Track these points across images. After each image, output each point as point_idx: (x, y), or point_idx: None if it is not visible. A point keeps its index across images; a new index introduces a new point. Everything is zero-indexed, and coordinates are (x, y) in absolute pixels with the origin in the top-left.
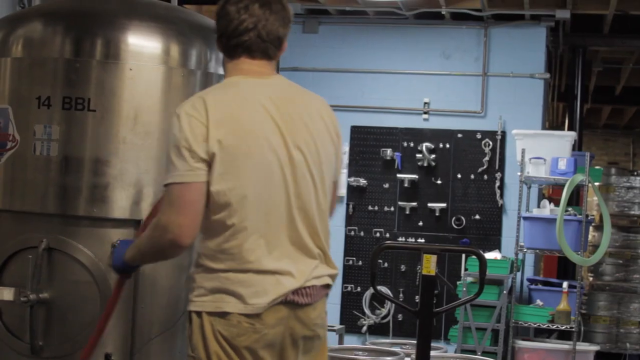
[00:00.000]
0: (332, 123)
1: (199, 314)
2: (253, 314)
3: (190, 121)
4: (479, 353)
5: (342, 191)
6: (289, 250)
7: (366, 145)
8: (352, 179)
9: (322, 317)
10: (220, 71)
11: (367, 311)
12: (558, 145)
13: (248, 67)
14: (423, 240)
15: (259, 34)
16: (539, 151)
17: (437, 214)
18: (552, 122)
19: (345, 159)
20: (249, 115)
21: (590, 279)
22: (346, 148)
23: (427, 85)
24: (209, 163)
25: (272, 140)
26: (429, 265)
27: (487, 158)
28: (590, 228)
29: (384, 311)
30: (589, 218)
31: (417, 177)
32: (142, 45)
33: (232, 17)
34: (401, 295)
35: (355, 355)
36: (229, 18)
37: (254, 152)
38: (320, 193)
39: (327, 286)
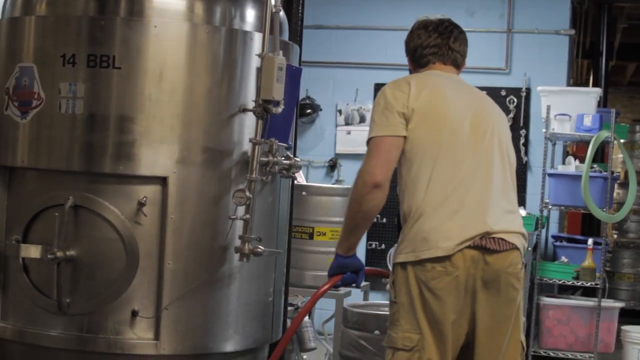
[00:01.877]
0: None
1: (403, 265)
2: (444, 257)
3: (394, 92)
4: None
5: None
6: (479, 202)
7: None
8: None
9: (515, 267)
10: (245, 27)
11: (391, 268)
12: (583, 102)
13: (440, 68)
14: None
15: (450, 47)
16: (564, 108)
17: None
18: (576, 79)
19: (369, 117)
20: (444, 92)
21: (615, 236)
22: (370, 106)
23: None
24: (407, 124)
25: (466, 113)
26: None
27: (511, 115)
28: (615, 185)
29: None
30: (614, 175)
31: None
32: (167, 1)
33: (431, 34)
34: None
35: (382, 310)
36: (429, 34)
37: (447, 115)
38: (504, 156)
39: (518, 240)
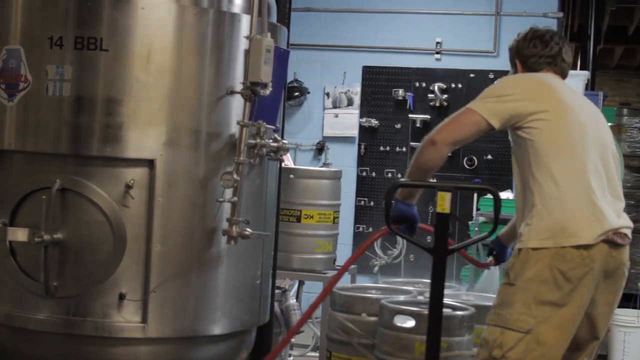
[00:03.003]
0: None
1: (535, 250)
2: (585, 247)
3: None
4: (491, 292)
5: (354, 132)
6: (605, 196)
7: (378, 85)
8: (363, 119)
9: (628, 259)
10: (233, 9)
11: (379, 252)
12: (571, 85)
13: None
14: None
15: (563, 58)
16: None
17: (449, 155)
18: None
19: (357, 100)
20: (568, 91)
21: None
22: (358, 89)
23: (440, 24)
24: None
25: (583, 111)
26: (444, 202)
27: None
28: None
29: (395, 251)
30: None
31: (429, 117)
32: None
33: (548, 43)
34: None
35: (369, 293)
36: (546, 44)
37: (575, 113)
38: (613, 152)
39: (630, 234)
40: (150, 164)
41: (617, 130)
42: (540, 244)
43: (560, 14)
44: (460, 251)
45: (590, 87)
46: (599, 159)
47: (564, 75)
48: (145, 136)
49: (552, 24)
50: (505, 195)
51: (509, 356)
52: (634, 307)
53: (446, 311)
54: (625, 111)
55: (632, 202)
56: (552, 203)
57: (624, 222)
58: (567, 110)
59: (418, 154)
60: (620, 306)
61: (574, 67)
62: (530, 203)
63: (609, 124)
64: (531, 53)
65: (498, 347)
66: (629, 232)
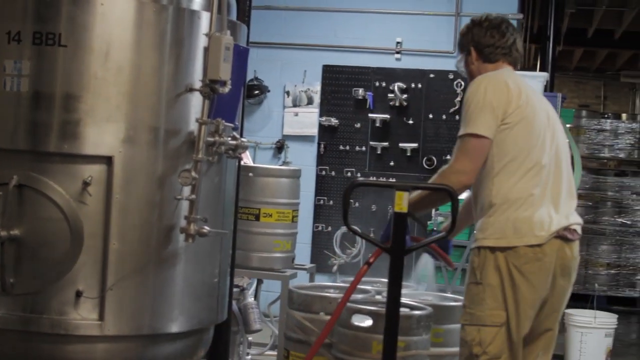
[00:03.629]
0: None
1: (491, 249)
2: (536, 245)
3: (495, 91)
4: (449, 292)
5: (314, 130)
6: (558, 195)
7: (338, 84)
8: (323, 118)
9: (578, 254)
10: (193, 7)
11: (337, 251)
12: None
13: (505, 70)
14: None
15: (517, 49)
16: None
17: (408, 154)
18: (524, 64)
19: (317, 99)
20: (528, 91)
21: None
22: (318, 88)
23: (400, 24)
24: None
25: (541, 111)
26: (401, 202)
27: (459, 98)
28: None
29: (354, 250)
30: None
31: (388, 117)
32: None
33: (504, 34)
34: (372, 234)
35: (327, 292)
36: (502, 34)
37: (534, 113)
38: (565, 150)
39: (580, 230)
40: (108, 160)
41: (576, 131)
42: (496, 243)
43: (520, 16)
44: (432, 245)
45: (550, 88)
46: (554, 158)
47: (516, 66)
48: (103, 133)
49: None
50: (464, 195)
51: (490, 351)
52: (591, 308)
53: (403, 310)
54: (584, 113)
55: (590, 204)
56: (508, 203)
57: (574, 219)
58: (529, 112)
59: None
60: (576, 307)
61: (534, 69)
62: (487, 202)
63: (568, 125)
64: (488, 42)
65: (477, 345)
66: (578, 228)
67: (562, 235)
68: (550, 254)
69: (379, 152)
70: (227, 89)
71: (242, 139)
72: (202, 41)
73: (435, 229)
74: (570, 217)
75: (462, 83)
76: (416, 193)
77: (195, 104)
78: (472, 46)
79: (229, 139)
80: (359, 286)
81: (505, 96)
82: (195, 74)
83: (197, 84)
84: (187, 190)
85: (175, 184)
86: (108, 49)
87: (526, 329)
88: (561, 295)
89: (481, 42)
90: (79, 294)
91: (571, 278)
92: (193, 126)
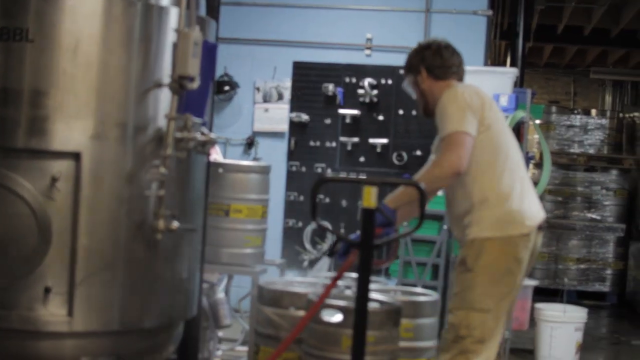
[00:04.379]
0: None
1: (488, 239)
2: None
3: (472, 97)
4: (419, 287)
5: (284, 127)
6: (531, 188)
7: (308, 80)
8: (293, 114)
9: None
10: (161, 2)
11: (308, 246)
12: (499, 82)
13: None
14: (365, 176)
15: (462, 67)
16: (481, 87)
17: (378, 150)
18: (494, 60)
19: (287, 95)
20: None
21: None
22: (288, 84)
23: (370, 20)
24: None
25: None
26: (370, 197)
27: None
28: (531, 165)
29: (324, 246)
30: (529, 155)
31: (359, 112)
32: None
33: (453, 54)
34: (342, 230)
35: (297, 287)
36: (451, 54)
37: (504, 122)
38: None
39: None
40: (76, 157)
41: (546, 127)
42: (492, 233)
43: (490, 12)
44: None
45: (519, 84)
46: (521, 157)
47: (461, 81)
48: (71, 129)
49: (481, 22)
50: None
51: (475, 335)
52: (561, 302)
53: (373, 305)
54: (553, 109)
55: (560, 199)
56: (499, 198)
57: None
58: (500, 116)
59: (439, 181)
60: (547, 301)
61: (504, 65)
62: (478, 197)
63: (537, 121)
64: (438, 63)
65: (465, 327)
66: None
67: (540, 225)
68: (533, 242)
69: (349, 148)
70: (195, 85)
71: (211, 135)
72: (170, 37)
73: (406, 224)
74: (542, 209)
75: None
76: (398, 193)
77: (164, 99)
78: (422, 67)
79: (198, 134)
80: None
81: (480, 100)
82: (163, 70)
83: (166, 80)
84: (155, 186)
85: (143, 180)
86: (76, 44)
87: (510, 312)
88: (524, 277)
89: (432, 63)
90: (47, 290)
91: (533, 262)
92: (162, 122)
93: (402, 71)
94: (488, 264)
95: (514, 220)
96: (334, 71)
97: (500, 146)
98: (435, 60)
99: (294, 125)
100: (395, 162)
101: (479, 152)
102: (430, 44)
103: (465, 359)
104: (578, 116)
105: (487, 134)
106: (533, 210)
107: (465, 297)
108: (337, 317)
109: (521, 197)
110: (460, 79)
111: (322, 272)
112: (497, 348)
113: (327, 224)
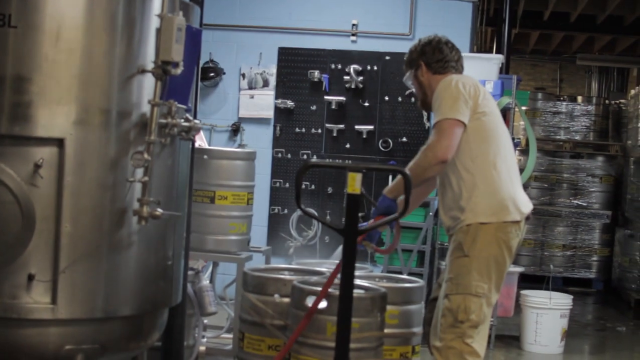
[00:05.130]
0: None
1: (482, 225)
2: (518, 221)
3: (467, 87)
4: (405, 274)
5: (270, 113)
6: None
7: (294, 67)
8: (279, 100)
9: None
10: None
11: (294, 233)
12: (485, 68)
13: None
14: (350, 162)
15: (461, 62)
16: (467, 73)
17: (364, 136)
18: (480, 47)
19: (273, 81)
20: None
21: None
22: (273, 70)
23: (355, 6)
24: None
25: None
26: (354, 183)
27: None
28: (517, 152)
29: (310, 233)
30: (515, 141)
31: (344, 99)
32: None
33: (452, 50)
34: (328, 217)
35: (282, 274)
36: (451, 50)
37: (497, 112)
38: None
39: None
40: (59, 143)
41: (532, 114)
42: (487, 219)
43: None
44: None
45: (505, 70)
46: (511, 147)
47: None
48: (54, 115)
49: (467, 8)
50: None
51: (472, 319)
52: (547, 289)
53: (357, 292)
54: (539, 95)
55: (546, 186)
56: (493, 185)
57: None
58: (493, 106)
59: (425, 169)
60: (532, 288)
61: (490, 51)
62: (470, 184)
63: (523, 107)
64: (438, 57)
65: (463, 311)
66: None
67: (528, 215)
68: (521, 230)
69: (334, 134)
70: (179, 71)
71: (195, 121)
72: (154, 22)
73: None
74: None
75: None
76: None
77: (148, 85)
78: (422, 61)
79: (182, 120)
80: (313, 268)
81: (474, 90)
82: (147, 56)
83: (150, 66)
84: (139, 173)
85: (127, 166)
86: (59, 30)
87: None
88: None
89: (432, 57)
90: (31, 278)
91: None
92: (145, 108)
93: (388, 57)
94: (483, 248)
95: (507, 207)
96: (319, 57)
97: (493, 135)
98: (434, 56)
99: (280, 112)
100: (381, 148)
101: (472, 139)
102: (431, 40)
103: (463, 343)
104: (564, 103)
105: (480, 122)
106: (524, 198)
107: (461, 282)
108: (322, 304)
109: (513, 185)
110: (458, 73)
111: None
112: (487, 333)
113: (312, 211)
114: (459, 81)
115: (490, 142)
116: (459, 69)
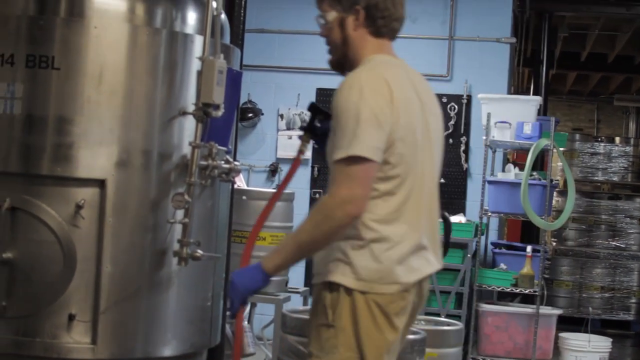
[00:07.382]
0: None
1: (348, 289)
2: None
3: (377, 101)
4: (443, 316)
5: (308, 154)
6: (435, 233)
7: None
8: None
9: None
10: (186, 30)
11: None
12: (523, 110)
13: (388, 49)
14: None
15: (400, 21)
16: (505, 115)
17: None
18: (517, 88)
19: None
20: (413, 98)
21: (554, 243)
22: None
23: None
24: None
25: (421, 122)
26: None
27: (452, 122)
28: (555, 193)
29: None
30: (553, 183)
31: None
32: (107, 2)
33: (403, 6)
34: None
35: None
36: (402, 5)
37: (415, 130)
38: (438, 174)
39: None
40: (101, 184)
41: (570, 155)
42: (358, 285)
43: (513, 39)
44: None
45: (543, 112)
46: (432, 188)
47: (394, 39)
48: (96, 156)
49: (505, 49)
50: (457, 219)
51: None
52: (585, 331)
53: None
54: (577, 136)
55: (584, 227)
56: (380, 244)
57: (440, 261)
58: (415, 131)
59: (323, 232)
60: (571, 330)
61: (527, 92)
62: (353, 234)
63: (561, 149)
64: (383, 12)
65: None
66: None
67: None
68: (414, 292)
69: None
70: (220, 113)
71: (235, 162)
72: (195, 65)
73: None
74: (437, 259)
75: (456, 107)
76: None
77: (189, 127)
78: (361, 6)
79: (222, 162)
80: None
81: (387, 101)
82: (188, 98)
83: (190, 108)
84: (180, 214)
85: (168, 208)
86: (101, 72)
87: None
88: (405, 334)
89: (378, 6)
90: (71, 318)
91: (419, 311)
92: (186, 149)
93: None
94: (346, 317)
95: (388, 276)
96: None
97: (406, 170)
98: (383, 4)
99: (317, 152)
100: None
101: (382, 176)
102: None
103: None
104: (602, 144)
105: (396, 152)
106: (424, 265)
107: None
108: None
109: (413, 250)
110: (392, 39)
111: None
112: None
113: None
114: (364, 88)
115: (401, 180)
116: (398, 30)
